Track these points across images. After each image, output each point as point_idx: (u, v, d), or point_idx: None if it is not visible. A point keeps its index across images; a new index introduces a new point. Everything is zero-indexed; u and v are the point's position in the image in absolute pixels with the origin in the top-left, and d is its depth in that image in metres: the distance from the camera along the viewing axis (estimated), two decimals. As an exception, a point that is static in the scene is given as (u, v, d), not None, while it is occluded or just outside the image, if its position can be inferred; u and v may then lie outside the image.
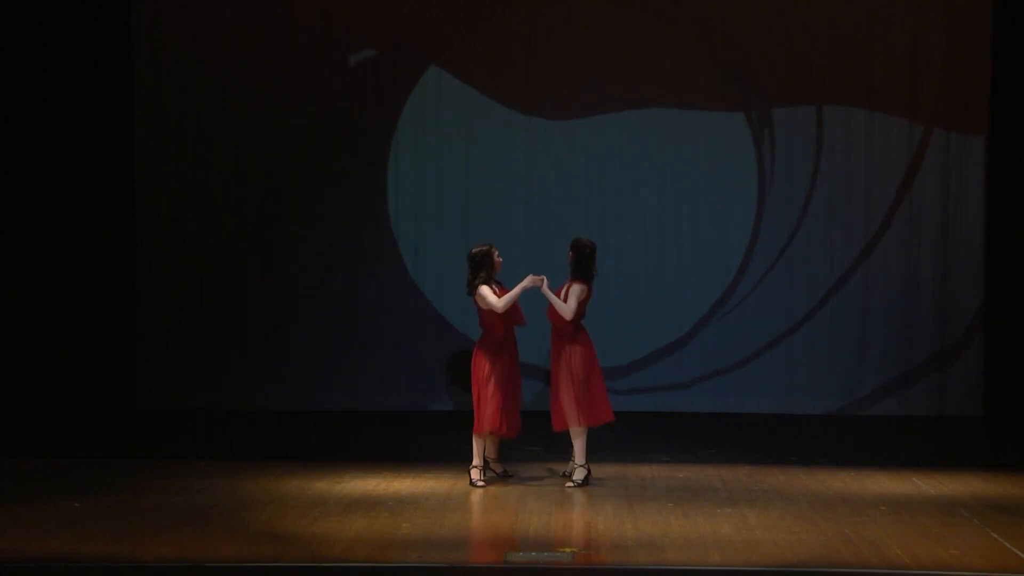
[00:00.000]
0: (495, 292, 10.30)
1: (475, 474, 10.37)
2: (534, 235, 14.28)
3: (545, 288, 10.31)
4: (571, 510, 9.56)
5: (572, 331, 10.37)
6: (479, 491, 10.14)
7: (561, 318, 10.33)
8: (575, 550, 8.30)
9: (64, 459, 11.54)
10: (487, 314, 10.36)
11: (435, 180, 14.51)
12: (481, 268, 10.35)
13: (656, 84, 14.39)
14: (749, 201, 14.41)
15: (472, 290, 10.35)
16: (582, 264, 10.44)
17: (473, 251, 10.43)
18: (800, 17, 14.31)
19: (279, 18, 14.46)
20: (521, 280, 10.34)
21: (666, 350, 14.44)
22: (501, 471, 10.61)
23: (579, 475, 10.32)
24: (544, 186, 14.45)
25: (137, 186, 14.47)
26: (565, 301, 10.31)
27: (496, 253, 10.45)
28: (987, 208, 14.22)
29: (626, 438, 12.53)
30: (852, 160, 14.36)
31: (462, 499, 9.89)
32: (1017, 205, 14.02)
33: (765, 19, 14.32)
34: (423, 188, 14.52)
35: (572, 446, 10.41)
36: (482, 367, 10.35)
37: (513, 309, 10.34)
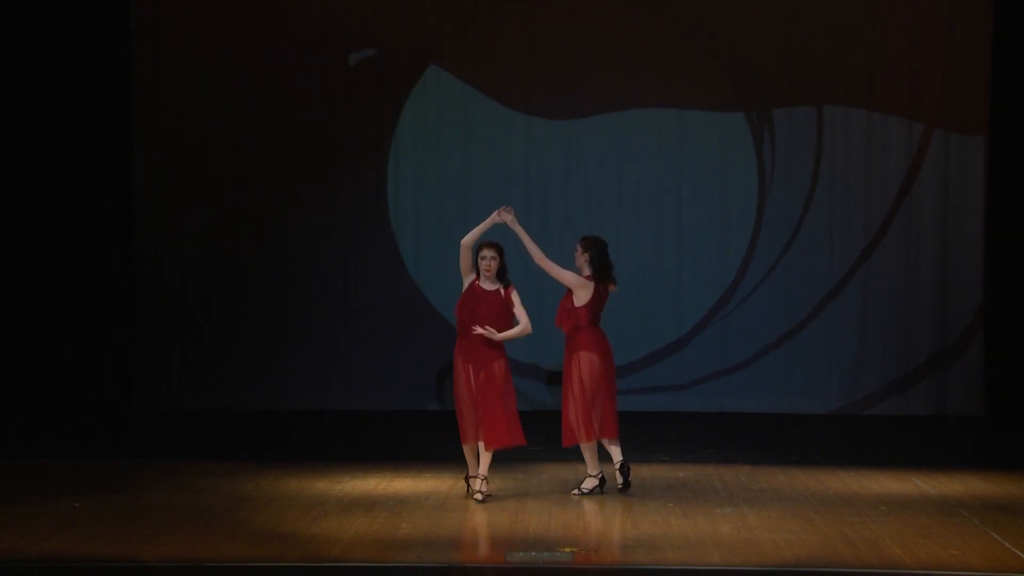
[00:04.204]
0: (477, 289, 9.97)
1: (476, 484, 9.83)
2: (534, 234, 14.18)
3: (515, 223, 10.13)
4: (571, 510, 9.55)
5: (581, 336, 9.96)
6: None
7: (569, 324, 9.99)
8: (575, 550, 8.30)
9: (64, 459, 11.54)
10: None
11: (435, 180, 14.52)
12: None
13: (656, 84, 14.39)
14: (749, 201, 14.41)
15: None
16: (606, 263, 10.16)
17: None
18: (800, 17, 14.32)
19: (279, 18, 14.46)
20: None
21: (666, 350, 14.44)
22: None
23: (588, 484, 10.04)
24: (544, 186, 14.45)
25: (137, 186, 14.48)
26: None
27: (481, 253, 10.11)
28: (987, 208, 14.22)
29: (626, 438, 12.50)
30: (852, 160, 14.37)
31: (462, 499, 9.87)
32: (1017, 205, 14.03)
33: (765, 19, 14.33)
34: (423, 188, 14.53)
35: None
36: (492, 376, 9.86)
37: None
